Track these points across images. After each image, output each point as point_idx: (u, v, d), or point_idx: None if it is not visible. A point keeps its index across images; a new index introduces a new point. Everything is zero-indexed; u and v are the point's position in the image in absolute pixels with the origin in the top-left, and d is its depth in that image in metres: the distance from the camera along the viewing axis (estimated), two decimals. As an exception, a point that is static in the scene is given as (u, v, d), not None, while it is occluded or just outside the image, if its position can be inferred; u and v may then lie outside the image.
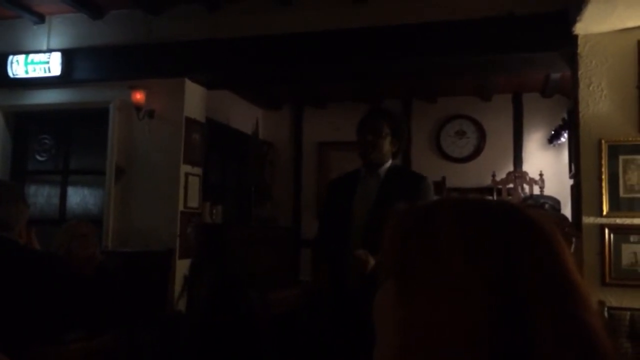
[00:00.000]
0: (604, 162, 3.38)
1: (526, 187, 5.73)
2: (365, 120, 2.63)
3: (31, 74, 4.69)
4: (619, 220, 3.36)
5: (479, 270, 0.58)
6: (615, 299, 3.28)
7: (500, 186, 5.82)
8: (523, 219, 0.63)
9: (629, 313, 3.10)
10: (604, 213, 3.37)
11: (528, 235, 0.61)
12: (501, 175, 5.88)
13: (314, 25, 4.18)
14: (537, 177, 5.70)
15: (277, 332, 4.30)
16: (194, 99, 4.63)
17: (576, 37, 3.49)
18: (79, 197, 4.93)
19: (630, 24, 3.34)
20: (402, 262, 0.63)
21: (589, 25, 3.34)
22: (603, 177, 3.38)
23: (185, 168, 4.47)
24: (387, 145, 2.56)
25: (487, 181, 5.89)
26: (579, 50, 3.49)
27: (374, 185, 2.55)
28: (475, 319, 0.57)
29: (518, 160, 6.07)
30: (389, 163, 2.60)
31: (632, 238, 3.33)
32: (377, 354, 0.66)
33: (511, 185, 5.79)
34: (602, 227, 3.36)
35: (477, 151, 6.20)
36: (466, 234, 0.61)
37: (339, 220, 2.55)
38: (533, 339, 0.55)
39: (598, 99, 3.45)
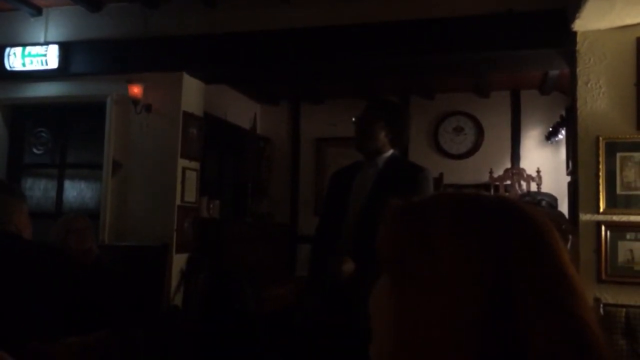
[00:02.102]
0: (602, 159, 3.38)
1: (523, 183, 5.73)
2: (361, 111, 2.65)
3: (28, 67, 4.66)
4: (615, 218, 3.36)
5: (473, 266, 0.58)
6: (611, 295, 3.29)
7: (497, 183, 5.81)
8: (519, 215, 0.62)
9: (624, 310, 3.11)
10: (601, 210, 3.37)
11: (524, 230, 0.61)
12: (498, 172, 5.88)
13: (312, 21, 4.17)
14: (534, 174, 5.69)
15: (273, 328, 4.31)
16: (192, 93, 4.61)
17: (575, 34, 3.48)
18: (75, 191, 4.92)
19: (629, 21, 3.33)
20: (396, 258, 0.63)
21: (588, 22, 3.34)
22: (600, 174, 3.38)
23: (183, 162, 4.46)
24: (381, 134, 2.54)
25: (485, 178, 5.89)
26: (578, 47, 3.48)
27: (371, 174, 2.53)
28: (468, 314, 0.56)
29: (515, 157, 6.08)
30: (388, 153, 2.57)
31: (628, 235, 3.33)
32: (373, 349, 0.66)
33: (508, 182, 5.79)
34: (598, 224, 3.37)
35: (475, 148, 6.20)
36: (461, 229, 0.61)
37: (335, 212, 2.56)
38: (527, 333, 0.55)
39: (596, 96, 3.45)
